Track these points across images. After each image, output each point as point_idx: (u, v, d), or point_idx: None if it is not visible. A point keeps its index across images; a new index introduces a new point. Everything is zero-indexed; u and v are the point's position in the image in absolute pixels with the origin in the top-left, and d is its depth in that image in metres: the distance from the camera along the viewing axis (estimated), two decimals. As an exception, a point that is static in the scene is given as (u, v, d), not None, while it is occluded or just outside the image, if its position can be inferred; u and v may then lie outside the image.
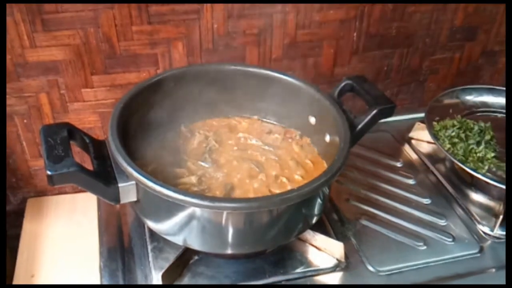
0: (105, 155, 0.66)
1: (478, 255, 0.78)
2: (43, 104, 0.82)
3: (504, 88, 1.00)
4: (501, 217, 0.81)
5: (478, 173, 0.82)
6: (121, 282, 0.72)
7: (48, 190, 0.90)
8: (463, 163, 0.84)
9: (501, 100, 1.00)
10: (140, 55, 0.82)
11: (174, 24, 0.81)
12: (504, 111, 0.99)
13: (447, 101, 0.99)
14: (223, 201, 0.63)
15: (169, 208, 0.63)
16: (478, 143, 0.89)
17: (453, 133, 0.90)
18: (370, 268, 0.75)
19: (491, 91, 1.01)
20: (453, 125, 0.92)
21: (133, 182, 0.63)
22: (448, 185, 0.90)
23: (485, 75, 1.10)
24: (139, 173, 0.60)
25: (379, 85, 1.02)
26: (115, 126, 0.66)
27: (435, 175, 0.93)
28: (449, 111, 0.96)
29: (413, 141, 1.00)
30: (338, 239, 0.76)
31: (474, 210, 0.85)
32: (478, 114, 1.00)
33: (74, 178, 0.60)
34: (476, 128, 0.92)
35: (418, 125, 1.00)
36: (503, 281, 0.73)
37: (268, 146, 0.81)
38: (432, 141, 0.92)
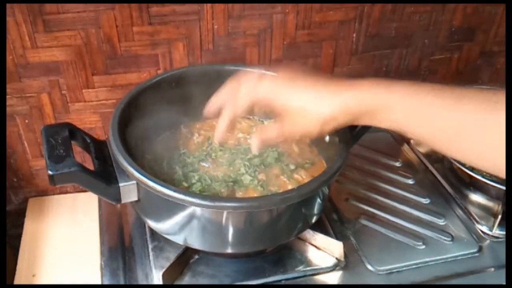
0: (106, 155, 0.67)
1: (477, 254, 0.78)
2: (45, 105, 0.82)
3: (495, 88, 1.00)
4: (499, 216, 0.81)
5: (476, 173, 0.82)
6: (122, 281, 0.72)
7: (49, 189, 0.90)
8: (462, 164, 0.84)
9: None
10: (141, 56, 0.82)
11: (174, 25, 0.81)
12: None
13: None
14: (223, 200, 0.64)
15: (170, 208, 0.63)
16: None
17: None
18: (370, 267, 0.75)
19: None
20: None
21: (134, 182, 0.63)
22: (447, 185, 0.90)
23: (483, 75, 1.11)
24: (140, 173, 0.61)
25: (379, 85, 1.02)
26: (116, 126, 0.67)
27: (434, 175, 0.93)
28: None
29: (412, 141, 1.00)
30: (337, 238, 0.76)
31: (473, 209, 0.85)
32: None
33: (75, 178, 0.61)
34: None
35: (417, 125, 1.01)
36: (502, 281, 0.74)
37: (268, 146, 0.81)
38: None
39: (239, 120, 0.86)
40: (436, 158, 0.96)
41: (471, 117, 0.47)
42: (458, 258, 0.77)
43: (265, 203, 0.61)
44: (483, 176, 0.82)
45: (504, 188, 0.79)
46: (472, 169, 0.84)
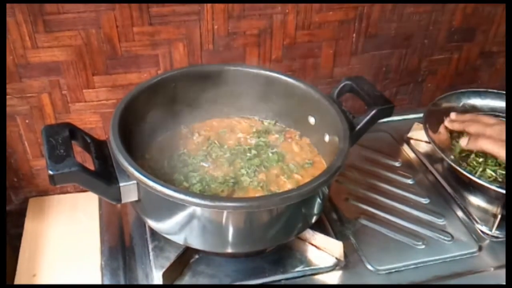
0: (106, 155, 0.67)
1: (477, 254, 0.78)
2: (45, 105, 0.82)
3: (496, 91, 1.00)
4: (499, 216, 0.81)
5: (475, 176, 0.81)
6: (122, 281, 0.72)
7: (49, 189, 0.90)
8: (463, 168, 0.84)
9: (495, 104, 1.01)
10: (141, 56, 0.83)
11: (175, 25, 0.82)
12: (498, 114, 1.00)
13: (445, 105, 0.98)
14: (223, 200, 0.64)
15: (170, 208, 0.63)
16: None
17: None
18: (369, 267, 0.75)
19: (489, 95, 1.01)
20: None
21: (134, 181, 0.63)
22: (446, 185, 0.90)
23: (483, 76, 1.11)
24: (140, 172, 0.61)
25: (378, 85, 1.03)
26: (116, 126, 0.67)
27: (433, 175, 0.93)
28: (444, 117, 0.96)
29: (411, 141, 1.00)
30: (337, 238, 0.77)
31: (472, 209, 0.85)
32: None
33: (76, 177, 0.61)
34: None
35: (417, 125, 1.01)
36: (501, 281, 0.74)
37: (268, 146, 0.81)
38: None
39: (239, 120, 0.87)
40: (436, 158, 0.96)
41: None
42: (458, 258, 0.77)
43: (265, 203, 0.61)
44: (484, 181, 0.81)
45: (502, 191, 0.79)
46: (472, 172, 0.84)
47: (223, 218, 0.62)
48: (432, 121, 0.94)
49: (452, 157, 0.87)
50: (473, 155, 0.89)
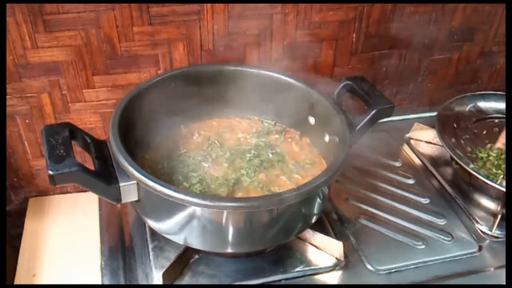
0: (106, 155, 0.67)
1: (477, 254, 0.78)
2: (45, 105, 0.82)
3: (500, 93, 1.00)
4: (499, 216, 0.81)
5: (478, 173, 0.82)
6: (122, 281, 0.72)
7: (49, 189, 0.90)
8: (465, 163, 0.84)
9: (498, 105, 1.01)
10: (141, 56, 0.83)
11: (175, 25, 0.81)
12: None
13: (457, 108, 0.98)
14: (223, 200, 0.64)
15: (170, 208, 0.63)
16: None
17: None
18: (369, 267, 0.75)
19: (501, 97, 1.01)
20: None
21: (134, 181, 0.63)
22: (446, 185, 0.90)
23: (483, 76, 1.11)
24: (140, 172, 0.61)
25: (378, 85, 1.03)
26: (116, 126, 0.67)
27: (434, 175, 0.93)
28: (458, 119, 0.96)
29: (412, 141, 1.00)
30: (337, 238, 0.77)
31: (472, 209, 0.85)
32: (488, 120, 1.00)
33: (76, 177, 0.61)
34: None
35: (417, 125, 1.01)
36: (501, 280, 0.74)
37: (268, 146, 0.81)
38: (432, 141, 0.92)
39: (239, 120, 0.87)
40: (436, 158, 0.96)
41: None
42: (458, 258, 0.78)
43: (265, 203, 0.61)
44: (485, 177, 0.81)
45: (503, 189, 0.79)
46: (493, 180, 0.83)
47: (223, 218, 0.62)
48: (444, 126, 0.93)
49: (472, 165, 0.86)
50: (489, 164, 0.88)
